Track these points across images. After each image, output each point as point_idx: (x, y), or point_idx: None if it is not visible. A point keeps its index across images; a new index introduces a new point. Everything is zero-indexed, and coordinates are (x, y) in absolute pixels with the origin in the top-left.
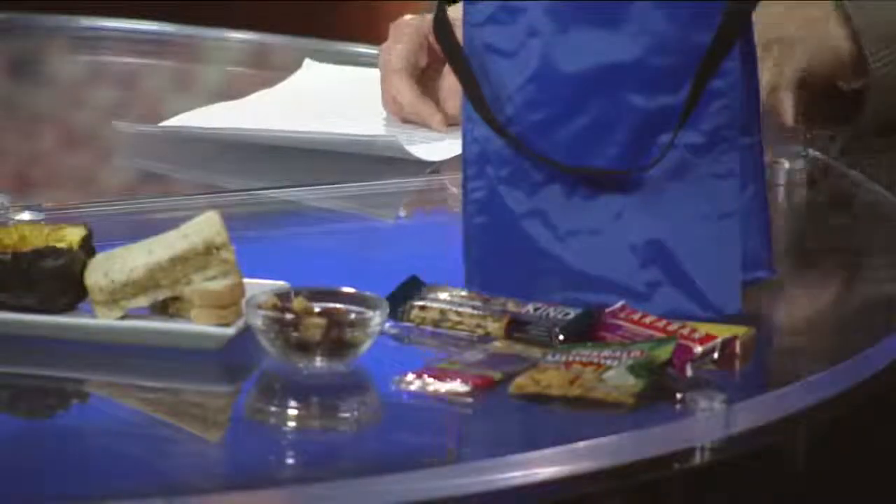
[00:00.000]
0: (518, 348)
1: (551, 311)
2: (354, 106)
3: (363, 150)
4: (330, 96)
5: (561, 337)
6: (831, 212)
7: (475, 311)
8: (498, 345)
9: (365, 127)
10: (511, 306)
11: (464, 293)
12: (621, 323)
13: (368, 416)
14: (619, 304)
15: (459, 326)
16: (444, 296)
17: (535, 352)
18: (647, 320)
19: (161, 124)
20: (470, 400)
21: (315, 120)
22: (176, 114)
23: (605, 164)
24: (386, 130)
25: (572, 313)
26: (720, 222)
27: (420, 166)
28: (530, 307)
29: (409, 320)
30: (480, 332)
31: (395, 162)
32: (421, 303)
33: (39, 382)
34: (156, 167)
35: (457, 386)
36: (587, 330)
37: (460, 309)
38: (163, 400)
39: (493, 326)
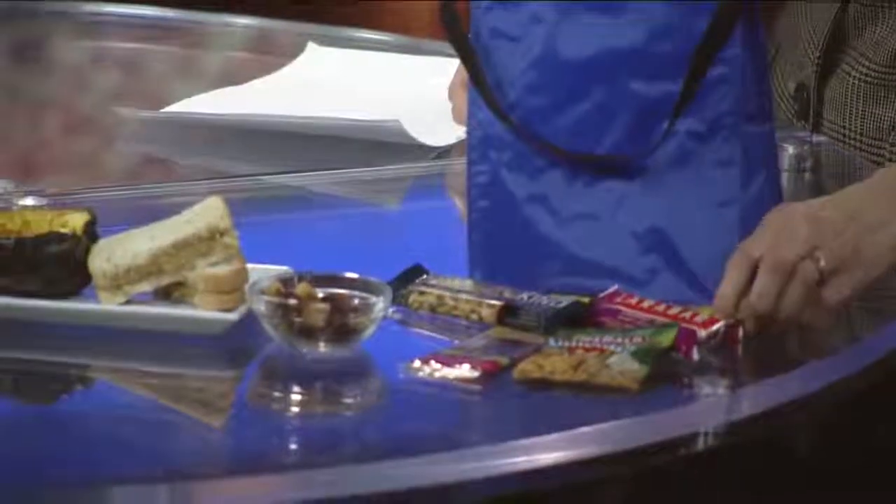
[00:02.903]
0: (514, 334)
1: (544, 300)
2: (358, 90)
3: (367, 135)
4: (334, 81)
5: (545, 325)
6: None
7: (470, 297)
8: (495, 331)
9: (369, 112)
10: (507, 294)
11: (467, 281)
12: (619, 307)
13: (372, 401)
14: (613, 288)
15: (455, 311)
16: (444, 283)
17: (539, 337)
18: (646, 304)
19: (164, 110)
20: (479, 386)
21: (319, 105)
22: (179, 99)
23: (606, 150)
24: (391, 115)
25: (564, 302)
26: (720, 210)
27: (424, 151)
28: (524, 295)
29: (406, 305)
30: (474, 317)
31: (399, 147)
32: (420, 288)
33: (42, 368)
34: (159, 153)
35: (466, 371)
36: (577, 319)
37: (457, 294)
38: (166, 385)
39: (487, 312)
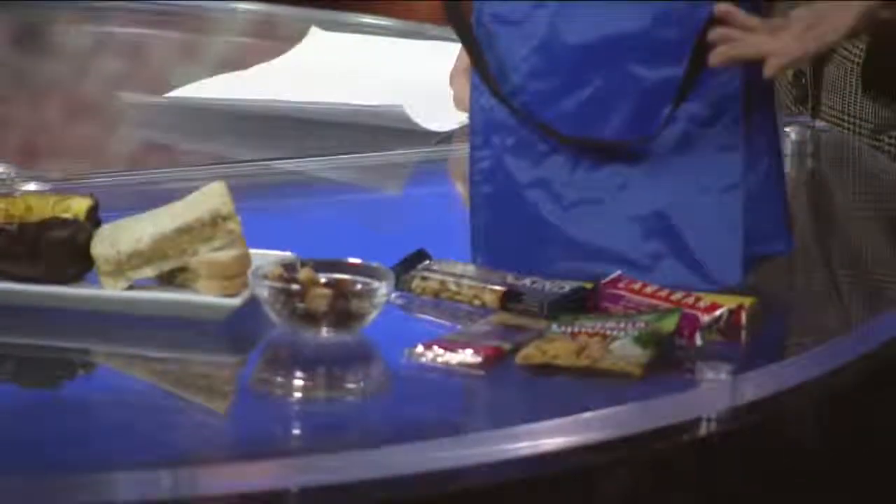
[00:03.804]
0: (517, 320)
1: (547, 285)
2: (361, 75)
3: (369, 120)
4: (336, 65)
5: (548, 310)
6: (837, 183)
7: (473, 283)
8: (497, 316)
9: (371, 97)
10: (510, 279)
11: (470, 267)
12: (622, 293)
13: (375, 386)
14: (616, 273)
15: (458, 297)
16: (447, 268)
17: (541, 323)
18: (649, 290)
19: (167, 95)
20: (482, 372)
21: (321, 90)
22: (182, 85)
23: (609, 135)
24: (393, 100)
25: (567, 287)
26: (723, 195)
27: (427, 136)
28: (527, 280)
29: (409, 290)
30: (477, 302)
31: (401, 132)
32: (422, 273)
33: (45, 353)
34: (162, 138)
35: (468, 357)
36: (580, 304)
37: (459, 280)
38: (169, 370)
39: (489, 297)
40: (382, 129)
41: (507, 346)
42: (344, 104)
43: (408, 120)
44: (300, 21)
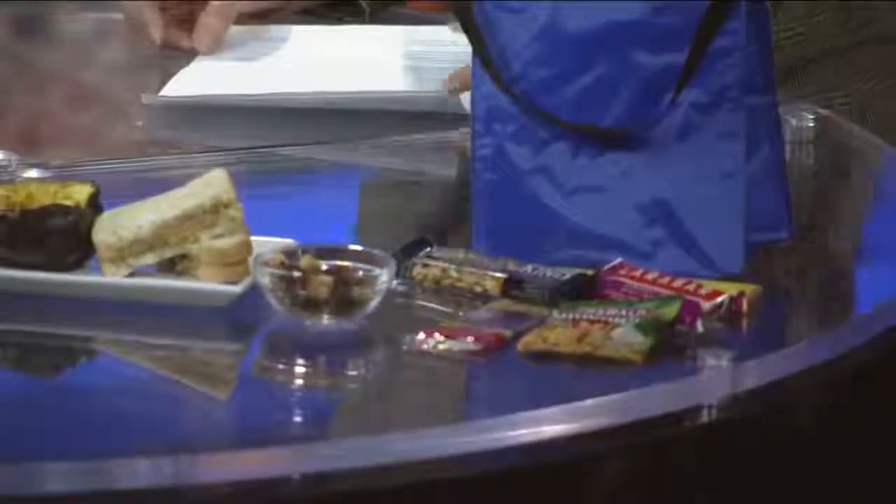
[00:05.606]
0: (518, 307)
1: (549, 272)
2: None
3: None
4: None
5: (549, 297)
6: (837, 169)
7: (474, 270)
8: (499, 303)
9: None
10: (511, 266)
11: (471, 254)
12: (623, 280)
13: (376, 373)
14: (617, 261)
15: (459, 284)
16: (449, 255)
17: (543, 310)
18: (650, 277)
19: (169, 85)
20: (483, 359)
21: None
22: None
23: (610, 122)
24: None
25: (568, 274)
26: (724, 182)
27: (429, 121)
28: (529, 267)
29: (410, 277)
30: (479, 289)
31: (404, 117)
32: (423, 260)
33: (47, 340)
34: (166, 126)
35: (469, 344)
36: (582, 291)
37: (461, 267)
38: (170, 358)
39: (491, 284)
40: (386, 114)
41: (508, 333)
42: (385, 91)
43: (461, 105)
44: (304, 10)
